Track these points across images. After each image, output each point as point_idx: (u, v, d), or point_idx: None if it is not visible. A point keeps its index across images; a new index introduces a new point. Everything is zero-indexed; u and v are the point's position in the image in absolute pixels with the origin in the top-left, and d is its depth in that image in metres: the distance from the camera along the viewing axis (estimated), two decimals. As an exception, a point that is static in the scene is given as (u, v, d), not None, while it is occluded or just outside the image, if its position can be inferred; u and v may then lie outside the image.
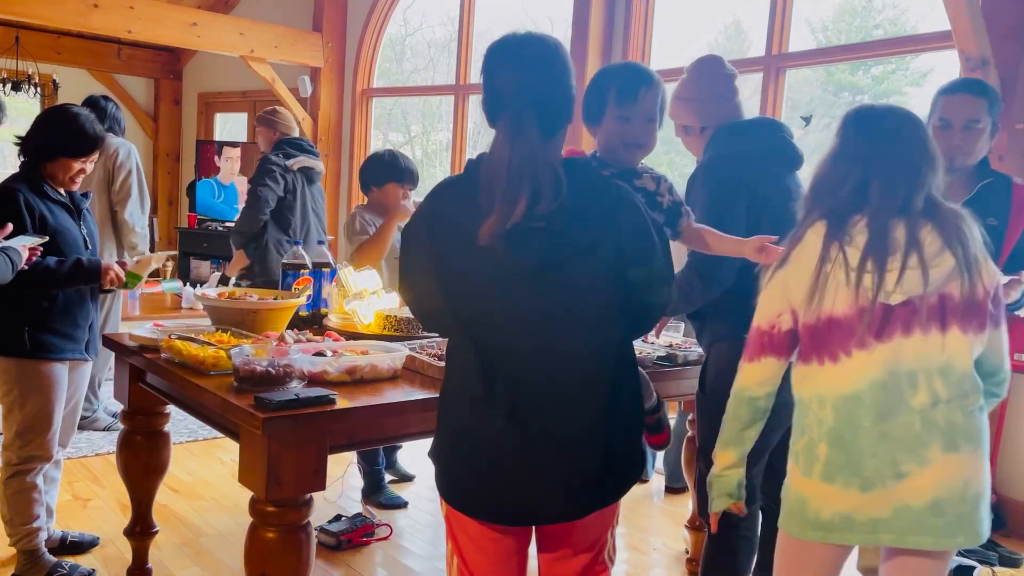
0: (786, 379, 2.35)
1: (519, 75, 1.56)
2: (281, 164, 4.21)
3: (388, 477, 3.78)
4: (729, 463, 1.81)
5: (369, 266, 3.01)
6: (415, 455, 4.05)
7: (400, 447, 3.97)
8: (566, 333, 1.57)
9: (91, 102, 4.18)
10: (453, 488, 1.68)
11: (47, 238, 2.50)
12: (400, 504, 3.57)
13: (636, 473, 1.71)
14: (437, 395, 1.96)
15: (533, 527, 1.73)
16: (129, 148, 4.27)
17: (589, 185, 1.61)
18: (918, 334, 1.60)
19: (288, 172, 4.23)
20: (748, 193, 2.23)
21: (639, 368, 1.84)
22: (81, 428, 4.03)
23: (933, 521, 1.59)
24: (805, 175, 2.35)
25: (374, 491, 3.60)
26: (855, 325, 1.61)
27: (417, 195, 3.43)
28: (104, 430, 4.31)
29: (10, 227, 2.42)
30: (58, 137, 2.63)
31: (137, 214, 4.24)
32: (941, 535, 1.60)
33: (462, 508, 1.67)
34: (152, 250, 6.31)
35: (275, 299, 2.59)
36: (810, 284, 1.64)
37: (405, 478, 3.91)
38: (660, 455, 4.14)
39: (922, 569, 1.67)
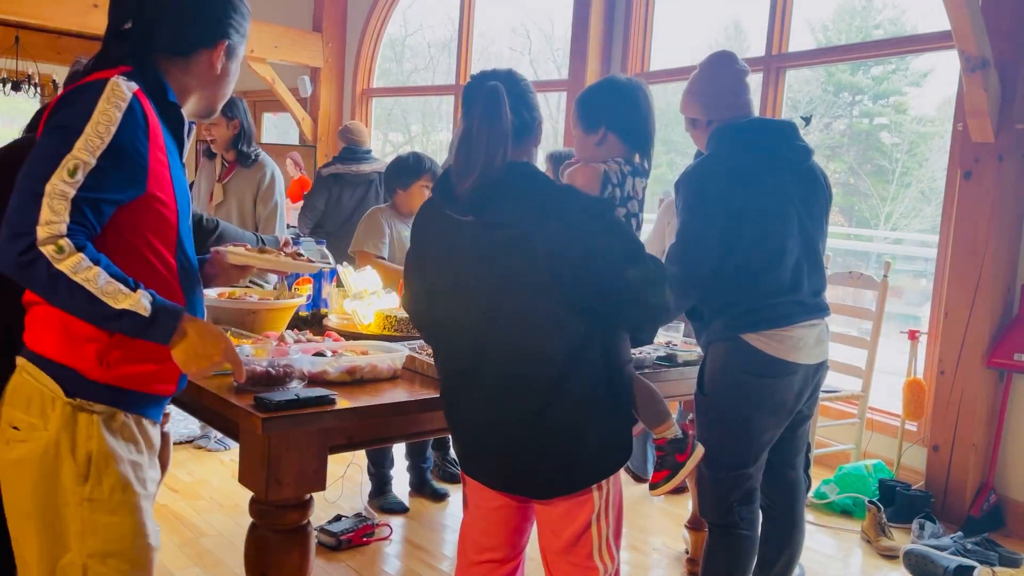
0: (788, 378, 2.35)
1: None
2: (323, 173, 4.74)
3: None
4: None
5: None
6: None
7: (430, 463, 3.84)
8: (499, 332, 1.67)
9: None
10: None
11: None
12: (401, 510, 3.56)
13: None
14: (437, 395, 1.97)
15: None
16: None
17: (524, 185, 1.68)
18: None
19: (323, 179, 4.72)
20: (723, 202, 2.23)
21: (645, 390, 1.87)
22: None
23: None
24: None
25: (378, 494, 3.60)
26: None
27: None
28: None
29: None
30: None
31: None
32: None
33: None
34: None
35: (275, 299, 2.59)
36: None
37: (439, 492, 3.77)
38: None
39: None
